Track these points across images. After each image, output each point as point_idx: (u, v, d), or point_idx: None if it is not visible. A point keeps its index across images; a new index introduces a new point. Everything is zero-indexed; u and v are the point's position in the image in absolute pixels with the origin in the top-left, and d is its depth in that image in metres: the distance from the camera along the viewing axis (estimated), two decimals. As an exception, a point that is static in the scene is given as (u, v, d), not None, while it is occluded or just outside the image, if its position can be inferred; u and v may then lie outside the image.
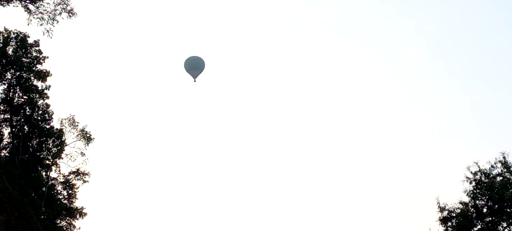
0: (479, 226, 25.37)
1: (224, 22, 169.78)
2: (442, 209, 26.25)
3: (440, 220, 26.18)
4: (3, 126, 51.72)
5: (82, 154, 54.32)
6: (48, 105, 52.18)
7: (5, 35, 49.06)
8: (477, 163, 26.78)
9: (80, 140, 54.14)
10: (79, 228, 53.96)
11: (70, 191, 52.75)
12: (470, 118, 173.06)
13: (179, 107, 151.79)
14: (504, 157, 25.87)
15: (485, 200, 25.32)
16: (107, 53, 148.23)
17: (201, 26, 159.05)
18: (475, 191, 25.61)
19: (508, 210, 24.56)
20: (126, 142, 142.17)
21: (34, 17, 43.96)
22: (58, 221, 50.37)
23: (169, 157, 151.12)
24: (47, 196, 49.73)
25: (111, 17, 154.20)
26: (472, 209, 25.62)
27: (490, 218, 25.12)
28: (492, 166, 26.10)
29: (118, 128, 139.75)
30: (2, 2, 43.25)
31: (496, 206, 25.03)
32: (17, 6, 43.70)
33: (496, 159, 26.47)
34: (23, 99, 50.31)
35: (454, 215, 25.87)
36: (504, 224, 24.66)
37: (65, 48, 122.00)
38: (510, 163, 26.02)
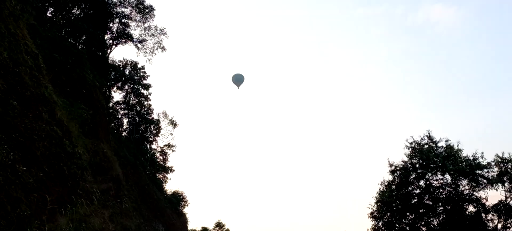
0: (414, 175, 27.35)
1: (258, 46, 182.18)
2: (391, 165, 28.14)
3: (390, 171, 28.17)
4: (123, 117, 56.33)
5: (171, 134, 60.07)
6: (150, 105, 57.97)
7: (124, 63, 54.52)
8: (412, 137, 28.75)
9: (169, 125, 59.98)
10: (170, 179, 62.75)
11: (164, 157, 59.42)
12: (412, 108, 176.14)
13: (228, 105, 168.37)
14: (429, 133, 27.28)
15: (417, 159, 27.31)
16: (181, 71, 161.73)
17: (243, 50, 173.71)
18: (411, 154, 27.76)
19: (431, 165, 26.62)
20: (195, 126, 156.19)
21: (140, 51, 51.36)
22: (157, 175, 56.61)
23: (220, 137, 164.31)
24: (150, 160, 55.66)
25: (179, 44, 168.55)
26: (410, 165, 27.57)
27: (420, 170, 27.19)
28: (421, 138, 28.04)
29: (191, 118, 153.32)
30: (122, 42, 50.80)
31: (424, 163, 26.88)
32: (130, 45, 51.29)
33: (424, 134, 27.98)
34: (135, 101, 55.99)
35: (398, 168, 27.80)
36: (429, 174, 26.78)
37: (157, 68, 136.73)
38: (433, 137, 27.63)
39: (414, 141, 28.10)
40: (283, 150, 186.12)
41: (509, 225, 25.38)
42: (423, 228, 25.97)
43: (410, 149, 27.96)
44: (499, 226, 25.38)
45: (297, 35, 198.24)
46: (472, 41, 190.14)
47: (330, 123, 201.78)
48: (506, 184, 25.42)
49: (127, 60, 55.74)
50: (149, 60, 53.64)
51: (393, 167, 28.13)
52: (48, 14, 38.49)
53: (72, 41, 35.73)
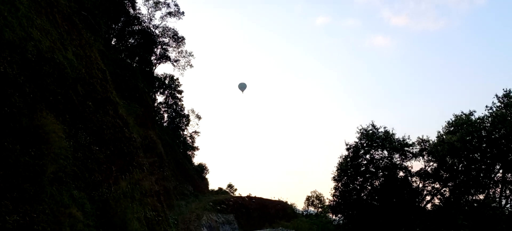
0: (362, 151, 26.21)
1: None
2: (347, 144, 26.77)
3: (346, 149, 26.67)
4: (164, 113, 56.44)
5: (197, 124, 60.30)
6: (182, 104, 57.73)
7: (164, 76, 54.44)
8: (361, 125, 28.21)
9: (196, 118, 60.25)
10: (196, 155, 61.28)
11: (192, 140, 59.55)
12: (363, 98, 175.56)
13: (234, 105, 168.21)
14: (373, 123, 26.49)
15: (364, 140, 26.17)
16: (204, 79, 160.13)
17: (246, 63, 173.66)
18: (360, 137, 26.48)
19: (374, 144, 25.69)
20: (214, 117, 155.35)
21: (176, 68, 51.25)
22: (187, 152, 56.94)
23: (231, 124, 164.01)
24: (182, 142, 55.90)
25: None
26: (359, 144, 26.39)
27: (367, 148, 26.06)
28: (367, 126, 26.70)
29: (212, 112, 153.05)
30: (163, 61, 50.85)
31: (369, 142, 25.90)
32: (169, 64, 51.82)
33: (369, 123, 27.13)
34: (172, 102, 56.25)
35: (352, 147, 26.54)
36: (373, 150, 25.93)
37: (188, 78, 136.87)
38: (375, 125, 26.51)
39: (362, 128, 27.25)
40: (277, 135, 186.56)
41: (426, 184, 25.53)
42: (369, 186, 25.98)
43: (360, 133, 27.07)
44: (420, 185, 25.57)
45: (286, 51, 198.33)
46: (402, 59, 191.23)
47: (312, 116, 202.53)
48: (425, 157, 25.59)
49: (167, 74, 56.02)
50: (181, 74, 56.20)
51: (348, 146, 27.29)
52: (113, 42, 39.34)
53: (128, 61, 36.05)
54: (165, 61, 52.48)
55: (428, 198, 25.41)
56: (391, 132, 26.00)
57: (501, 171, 23.45)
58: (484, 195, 23.57)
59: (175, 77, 56.42)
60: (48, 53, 11.18)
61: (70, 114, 11.49)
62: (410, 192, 24.71)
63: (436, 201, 25.05)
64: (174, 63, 52.36)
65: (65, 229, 8.90)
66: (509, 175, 23.18)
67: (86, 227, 9.89)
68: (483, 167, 23.58)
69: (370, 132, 26.62)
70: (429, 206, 25.15)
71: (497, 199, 23.26)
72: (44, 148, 8.90)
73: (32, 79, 10.32)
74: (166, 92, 56.38)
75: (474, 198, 23.61)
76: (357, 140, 26.91)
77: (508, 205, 22.95)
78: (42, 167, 8.82)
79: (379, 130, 26.33)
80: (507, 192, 23.24)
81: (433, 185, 25.25)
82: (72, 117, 11.61)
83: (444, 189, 24.80)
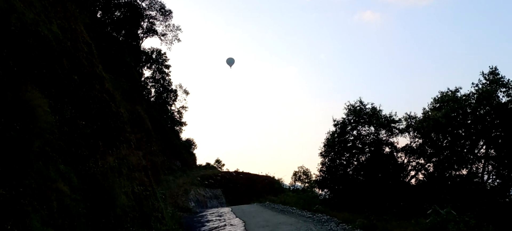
0: (349, 127, 26.08)
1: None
2: (334, 120, 26.51)
3: (333, 125, 26.55)
4: (151, 88, 55.88)
5: (184, 99, 61.25)
6: (170, 79, 57.54)
7: (151, 50, 53.86)
8: (349, 101, 27.32)
9: (183, 93, 59.91)
10: (184, 130, 61.09)
11: (180, 115, 59.51)
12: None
13: (222, 80, 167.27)
14: (360, 99, 26.36)
15: (352, 116, 26.02)
16: (192, 53, 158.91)
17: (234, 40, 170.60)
18: (348, 113, 26.31)
19: (361, 120, 25.65)
20: (201, 90, 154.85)
21: (163, 42, 52.24)
22: (175, 127, 57.20)
23: (218, 99, 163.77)
24: (170, 117, 56.34)
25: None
26: (347, 120, 26.23)
27: (354, 124, 25.99)
28: (355, 102, 26.51)
29: (198, 86, 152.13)
30: (150, 35, 51.19)
31: (356, 119, 25.83)
32: (156, 38, 52.66)
33: (357, 99, 27.06)
34: (159, 77, 55.91)
35: (339, 123, 26.30)
36: (360, 126, 25.85)
37: (175, 52, 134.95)
38: (363, 101, 26.37)
39: (350, 104, 26.77)
40: (265, 111, 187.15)
41: (411, 160, 25.90)
42: (355, 162, 26.28)
43: (347, 109, 26.65)
44: (405, 161, 25.96)
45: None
46: (391, 35, 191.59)
47: (300, 92, 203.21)
48: (410, 133, 25.85)
49: (154, 48, 55.44)
50: (169, 48, 55.31)
51: (335, 122, 26.85)
52: (98, 15, 38.60)
53: (115, 34, 35.50)
54: (152, 35, 52.33)
55: (412, 173, 25.85)
56: (378, 108, 26.07)
57: (484, 147, 23.92)
58: (467, 170, 24.09)
59: (162, 52, 55.93)
60: (32, 26, 10.98)
61: (56, 88, 11.41)
62: (395, 167, 25.07)
63: (420, 176, 25.50)
64: (161, 37, 52.35)
65: (52, 204, 8.95)
66: (492, 150, 23.62)
67: (73, 201, 9.96)
68: (467, 143, 23.99)
69: (358, 108, 26.37)
70: (413, 181, 25.64)
71: (480, 174, 23.82)
72: (29, 122, 8.85)
73: (16, 53, 10.18)
74: (153, 67, 55.95)
75: (457, 173, 24.12)
76: (344, 116, 26.70)
77: (490, 180, 23.52)
78: (28, 142, 8.78)
79: (367, 106, 26.32)
80: (490, 167, 23.76)
81: (418, 160, 25.59)
82: (58, 91, 11.50)
83: (428, 164, 25.24)
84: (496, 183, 22.80)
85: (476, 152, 24.25)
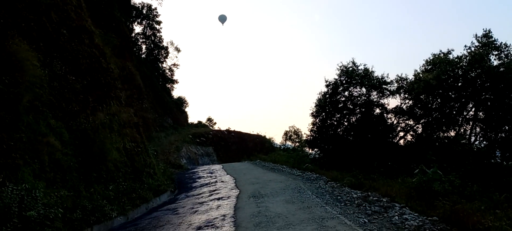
0: (341, 88, 26.17)
1: None
2: (326, 81, 26.52)
3: (325, 85, 26.64)
4: (142, 44, 54.86)
5: (176, 57, 61.83)
6: (161, 35, 56.56)
7: (142, 4, 52.58)
8: (342, 62, 28.05)
9: (175, 50, 59.36)
10: (176, 88, 63.09)
11: (171, 72, 58.75)
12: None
13: (215, 35, 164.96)
14: (353, 60, 26.37)
15: (344, 77, 25.97)
16: (184, 10, 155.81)
17: None
18: (340, 74, 26.21)
19: (353, 81, 25.65)
20: (193, 48, 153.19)
21: None
22: (167, 85, 56.62)
23: (210, 56, 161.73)
24: (161, 75, 55.70)
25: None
26: (339, 81, 26.14)
27: (346, 85, 25.99)
28: (348, 63, 26.36)
29: (190, 43, 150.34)
30: None
31: (348, 79, 25.77)
32: None
33: (350, 60, 27.06)
34: (150, 33, 54.89)
35: (331, 83, 26.28)
36: (352, 87, 25.87)
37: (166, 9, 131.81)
38: (355, 62, 26.30)
39: (342, 65, 26.60)
40: (257, 67, 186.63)
41: (400, 121, 26.17)
42: (345, 122, 26.49)
43: (340, 70, 26.42)
44: (395, 122, 26.24)
45: None
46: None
47: (293, 52, 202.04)
48: (401, 95, 25.96)
49: (144, 3, 54.26)
50: (160, 3, 55.53)
51: (327, 82, 26.70)
52: None
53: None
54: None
55: (401, 134, 26.18)
56: (370, 69, 25.96)
57: (473, 109, 24.23)
58: (455, 131, 24.50)
59: (153, 7, 54.59)
60: (17, -23, 10.67)
61: (45, 42, 11.27)
62: (385, 128, 25.32)
63: (409, 137, 25.92)
64: (152, -8, 51.22)
65: (43, 157, 9.05)
66: (481, 113, 23.95)
67: (65, 155, 10.08)
68: (456, 105, 24.26)
69: (350, 69, 26.19)
70: (401, 141, 26.04)
71: (467, 136, 24.25)
72: (18, 75, 8.78)
73: (3, 4, 9.95)
74: (144, 22, 54.65)
75: (445, 134, 24.53)
76: (336, 77, 26.57)
77: (477, 142, 23.98)
78: (17, 95, 8.76)
79: (359, 68, 26.14)
80: (477, 129, 24.18)
81: (407, 121, 25.92)
82: (47, 45, 11.35)
83: (417, 125, 25.57)
84: (482, 145, 23.26)
85: (464, 114, 24.59)
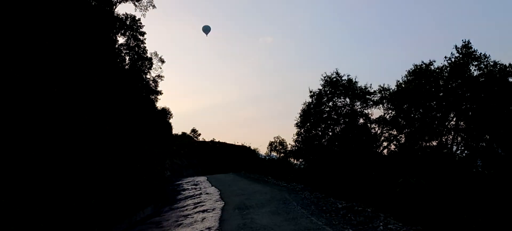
0: (325, 98, 26.23)
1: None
2: (311, 91, 26.62)
3: (310, 96, 26.71)
4: (126, 55, 57.24)
5: (160, 68, 60.56)
6: (145, 46, 54.89)
7: (126, 16, 52.14)
8: (326, 72, 28.77)
9: (159, 61, 56.52)
10: (160, 99, 59.06)
11: (155, 84, 56.09)
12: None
13: (200, 44, 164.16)
14: (337, 71, 26.38)
15: (328, 88, 26.22)
16: (167, 21, 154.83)
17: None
18: (324, 84, 26.45)
19: (337, 92, 25.87)
20: (177, 59, 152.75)
21: (137, 8, 52.16)
22: (150, 96, 55.12)
23: (194, 68, 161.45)
24: (146, 86, 54.50)
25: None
26: (323, 91, 26.37)
27: (330, 95, 26.15)
28: (332, 74, 26.53)
29: (174, 55, 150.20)
30: (124, 1, 52.16)
31: (332, 90, 25.98)
32: (130, 3, 50.78)
33: (333, 71, 26.75)
34: (134, 44, 53.21)
35: (315, 93, 26.50)
36: (336, 97, 26.02)
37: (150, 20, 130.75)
38: (339, 73, 26.32)
39: (326, 75, 26.84)
40: (242, 78, 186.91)
41: (384, 131, 26.41)
42: (330, 133, 26.65)
43: (324, 81, 26.74)
44: (379, 132, 26.48)
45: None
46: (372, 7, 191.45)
47: (278, 62, 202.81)
48: (384, 105, 26.24)
49: (128, 14, 53.34)
50: (143, 15, 53.80)
51: (312, 93, 26.95)
52: None
53: (87, -1, 34.06)
54: (126, 1, 50.51)
55: (385, 144, 26.46)
56: (354, 80, 26.26)
57: (454, 119, 24.64)
58: (437, 141, 24.86)
59: (137, 18, 53.54)
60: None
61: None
62: (369, 138, 25.56)
63: (392, 146, 26.17)
64: (136, 3, 50.89)
65: None
66: (462, 123, 24.36)
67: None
68: (438, 115, 24.66)
69: (334, 79, 26.52)
70: (385, 151, 26.30)
71: (449, 146, 24.62)
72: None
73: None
74: (127, 33, 53.74)
75: (428, 144, 24.87)
76: (321, 87, 26.82)
77: (458, 151, 24.35)
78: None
79: (343, 78, 26.45)
80: (459, 138, 24.58)
81: (391, 131, 26.18)
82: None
83: (400, 135, 25.88)
84: (464, 154, 23.63)
85: (446, 124, 24.99)
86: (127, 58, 55.36)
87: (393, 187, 13.65)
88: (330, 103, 26.62)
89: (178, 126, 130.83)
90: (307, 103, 27.10)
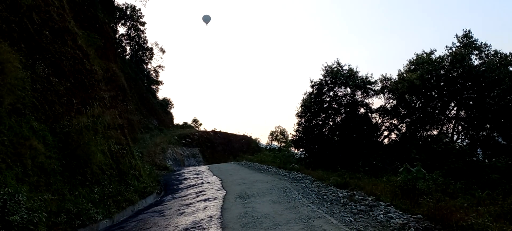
0: (326, 88, 26.14)
1: None
2: (311, 81, 26.59)
3: (311, 86, 26.82)
4: (126, 45, 54.71)
5: (161, 58, 62.48)
6: (145, 36, 56.51)
7: (126, 5, 52.65)
8: (326, 62, 28.75)
9: (160, 51, 60.37)
10: (161, 89, 62.39)
11: (156, 74, 59.06)
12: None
13: (200, 34, 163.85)
14: (338, 60, 26.48)
15: (329, 77, 26.02)
16: (168, 10, 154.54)
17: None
18: (325, 74, 26.28)
19: (338, 82, 25.55)
20: (178, 49, 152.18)
21: None
22: (152, 86, 56.44)
23: (195, 57, 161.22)
24: (146, 76, 55.61)
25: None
26: (324, 81, 26.19)
27: (331, 85, 25.97)
28: (332, 64, 26.51)
29: (174, 45, 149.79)
30: None
31: (333, 80, 25.78)
32: None
33: (334, 61, 27.88)
34: (134, 34, 54.80)
35: (316, 83, 26.40)
36: (336, 87, 25.82)
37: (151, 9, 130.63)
38: (340, 62, 26.37)
39: (327, 65, 26.58)
40: (242, 67, 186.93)
41: (385, 121, 26.38)
42: (330, 122, 26.62)
43: (325, 71, 26.41)
44: (379, 121, 26.45)
45: None
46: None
47: (279, 51, 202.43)
48: (385, 95, 26.19)
49: (128, 4, 54.20)
50: (144, 4, 54.63)
51: (313, 83, 26.73)
52: None
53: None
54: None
55: (386, 133, 26.47)
56: (355, 70, 26.10)
57: (455, 108, 24.64)
58: (438, 130, 24.88)
59: (137, 8, 54.75)
60: (-2, -23, 10.47)
61: (26, 44, 11.08)
62: (370, 128, 25.51)
63: (393, 136, 26.18)
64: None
65: (26, 161, 8.90)
66: (462, 112, 24.36)
67: (48, 159, 9.92)
68: (439, 104, 24.64)
69: (335, 69, 26.28)
70: (386, 140, 26.31)
71: (450, 135, 24.65)
72: (-1, 78, 8.60)
73: (-18, 5, 9.74)
74: (128, 23, 54.64)
75: (428, 133, 24.89)
76: (322, 77, 26.61)
77: (459, 140, 24.38)
78: (-2, 98, 8.57)
79: (344, 68, 26.25)
80: (459, 128, 24.60)
81: (391, 121, 26.14)
82: (29, 46, 11.15)
83: (401, 124, 25.85)
84: (465, 143, 23.66)
85: (447, 113, 25.00)
86: (128, 48, 56.25)
87: (394, 175, 13.72)
88: (331, 93, 26.38)
89: (180, 116, 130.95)
90: (308, 93, 27.01)
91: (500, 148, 21.19)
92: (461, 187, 13.23)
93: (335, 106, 26.29)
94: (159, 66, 59.14)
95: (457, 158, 19.02)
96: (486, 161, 21.06)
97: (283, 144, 47.14)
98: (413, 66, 25.52)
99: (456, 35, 24.37)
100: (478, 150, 22.98)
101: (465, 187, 13.52)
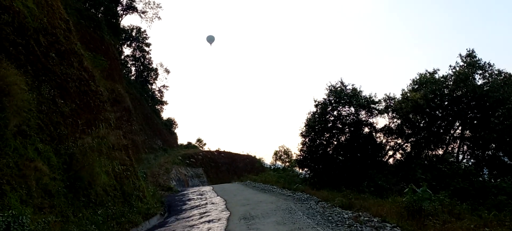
0: (330, 107, 26.15)
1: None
2: (315, 101, 26.69)
3: (314, 105, 26.79)
4: (132, 66, 55.23)
5: (165, 78, 62.85)
6: (150, 57, 57.26)
7: (131, 27, 53.36)
8: (330, 82, 28.20)
9: (164, 72, 60.33)
10: (165, 109, 62.25)
11: (161, 94, 59.46)
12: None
13: (204, 54, 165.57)
14: (341, 80, 26.74)
15: (333, 97, 26.05)
16: (172, 32, 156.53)
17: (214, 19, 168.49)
18: (329, 93, 26.44)
19: (342, 101, 25.58)
20: (182, 69, 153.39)
21: (143, 20, 54.55)
22: (156, 106, 56.36)
23: (199, 78, 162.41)
24: (151, 96, 55.48)
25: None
26: (327, 101, 26.35)
27: (334, 104, 25.94)
28: (336, 83, 26.57)
29: (179, 65, 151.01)
30: (130, 12, 50.98)
31: (337, 99, 25.81)
32: (136, 15, 50.54)
33: (338, 80, 27.49)
34: (140, 55, 55.38)
35: (320, 103, 26.46)
36: (340, 107, 25.88)
37: (156, 31, 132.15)
38: (344, 82, 26.43)
39: (331, 85, 26.82)
40: (246, 88, 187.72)
41: (389, 140, 26.30)
42: (335, 142, 26.53)
43: (328, 90, 26.68)
44: (384, 141, 26.36)
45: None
46: (375, 17, 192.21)
47: (283, 71, 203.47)
48: (389, 114, 26.19)
49: (134, 26, 55.34)
50: (149, 26, 55.08)
51: (316, 102, 26.86)
52: None
53: (93, 11, 34.56)
54: (132, 12, 51.53)
55: (390, 153, 26.35)
56: (358, 89, 26.22)
57: (460, 128, 24.52)
58: (443, 150, 24.72)
59: (142, 30, 55.29)
60: (6, 1, 10.62)
61: (33, 66, 11.17)
62: (374, 147, 25.43)
63: (398, 155, 26.08)
64: (141, 15, 51.58)
65: (31, 182, 8.86)
66: (467, 131, 24.23)
67: (52, 180, 9.89)
68: (443, 124, 24.55)
69: (338, 89, 26.46)
70: (391, 160, 26.17)
71: (455, 154, 24.47)
72: (5, 100, 8.64)
73: (-10, 29, 9.87)
74: (133, 44, 55.23)
75: (433, 153, 24.74)
76: (325, 97, 26.77)
77: (464, 160, 24.19)
78: (4, 120, 8.61)
79: (347, 87, 26.42)
80: (464, 147, 24.44)
81: (396, 140, 26.09)
82: (35, 68, 11.24)
83: (406, 144, 25.76)
84: (470, 163, 23.45)
85: (452, 132, 24.86)
86: (133, 69, 56.72)
87: (400, 196, 13.57)
88: (335, 113, 26.45)
89: (184, 136, 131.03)
90: (312, 113, 27.09)
91: (506, 168, 21.02)
92: (467, 208, 13.04)
93: (339, 125, 26.24)
94: (164, 86, 59.68)
95: (462, 178, 18.86)
96: (492, 180, 20.85)
97: (287, 164, 46.91)
98: (417, 86, 25.53)
99: (460, 55, 24.47)
100: (483, 170, 22.78)
101: (472, 208, 13.34)
